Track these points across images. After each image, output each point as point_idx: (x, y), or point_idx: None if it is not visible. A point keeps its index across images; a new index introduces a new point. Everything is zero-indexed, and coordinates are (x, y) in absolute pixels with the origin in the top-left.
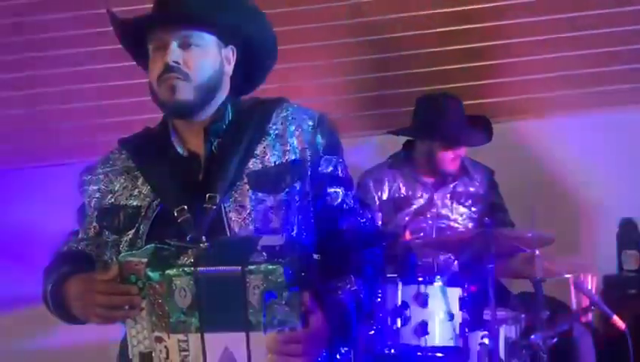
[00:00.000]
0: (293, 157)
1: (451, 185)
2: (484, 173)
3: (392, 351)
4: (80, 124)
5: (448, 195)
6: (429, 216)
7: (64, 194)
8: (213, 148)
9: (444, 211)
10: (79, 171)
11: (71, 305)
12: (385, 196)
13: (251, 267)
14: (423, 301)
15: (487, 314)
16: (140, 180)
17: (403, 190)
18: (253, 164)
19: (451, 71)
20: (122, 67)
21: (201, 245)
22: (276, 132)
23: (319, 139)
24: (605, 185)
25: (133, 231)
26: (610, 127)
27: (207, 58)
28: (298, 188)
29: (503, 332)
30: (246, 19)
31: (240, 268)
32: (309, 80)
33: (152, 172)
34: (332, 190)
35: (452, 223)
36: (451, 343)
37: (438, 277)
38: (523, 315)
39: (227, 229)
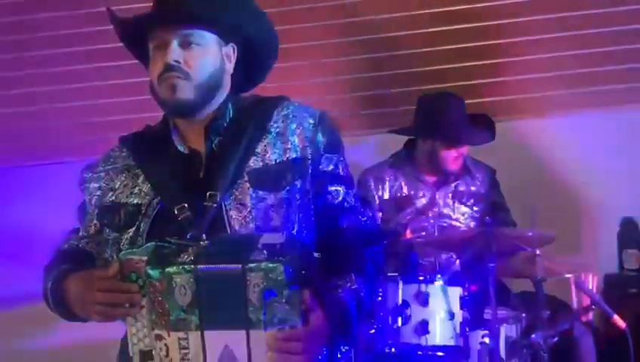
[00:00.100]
0: (294, 156)
1: (453, 185)
2: (485, 172)
3: (393, 349)
4: (80, 122)
5: (450, 194)
6: (430, 215)
7: (64, 192)
8: (213, 146)
9: (445, 210)
10: (79, 169)
11: (71, 302)
12: (386, 195)
13: (251, 265)
14: (423, 300)
15: (487, 314)
16: (141, 178)
17: (405, 189)
18: (254, 162)
19: (451, 70)
20: (123, 65)
21: (202, 243)
22: (277, 130)
23: (320, 137)
24: (606, 185)
25: (133, 229)
26: (611, 127)
27: (207, 57)
28: (299, 186)
29: (503, 331)
30: (247, 16)
31: (240, 266)
32: (307, 79)
33: (153, 170)
34: (333, 188)
35: (454, 222)
36: (452, 342)
37: (439, 276)
38: (524, 314)
39: (228, 227)
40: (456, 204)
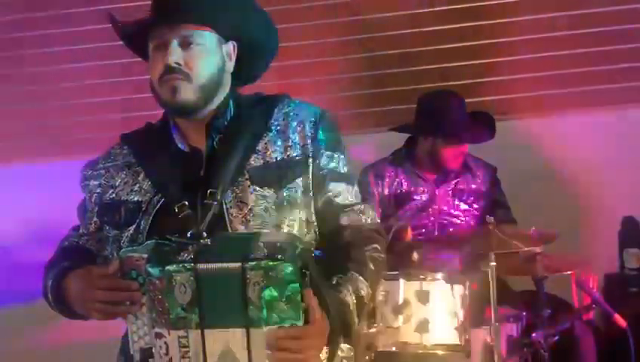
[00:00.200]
0: (294, 153)
1: (453, 182)
2: (486, 169)
3: (394, 348)
4: (81, 120)
5: (450, 192)
6: (430, 212)
7: (65, 190)
8: (214, 144)
9: (445, 208)
10: (80, 167)
11: (71, 300)
12: (386, 191)
13: (252, 263)
14: (424, 298)
15: (488, 312)
16: (141, 175)
17: (405, 186)
18: (255, 160)
19: (451, 68)
20: (124, 64)
21: (202, 241)
22: (278, 128)
23: (321, 135)
24: (607, 184)
25: (133, 226)
26: (612, 126)
27: (208, 57)
28: (299, 184)
29: (504, 329)
30: (246, 14)
31: (240, 264)
32: (307, 77)
33: (154, 167)
34: (334, 186)
35: (454, 220)
36: (453, 340)
37: (440, 274)
38: (524, 313)
39: (228, 225)
40: (456, 202)
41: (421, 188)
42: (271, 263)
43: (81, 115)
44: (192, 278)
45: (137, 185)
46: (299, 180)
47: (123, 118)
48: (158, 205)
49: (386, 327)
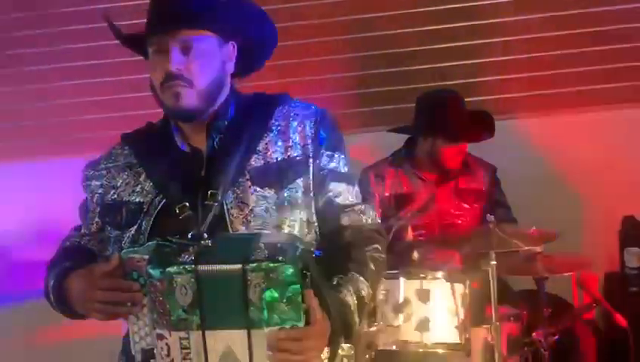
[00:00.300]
0: (295, 153)
1: (453, 182)
2: (486, 169)
3: (394, 347)
4: (82, 119)
5: (450, 192)
6: (431, 212)
7: (67, 189)
8: (215, 144)
9: (446, 208)
10: (80, 166)
11: (73, 300)
12: (386, 192)
13: (252, 265)
14: (425, 297)
15: (489, 311)
16: (143, 176)
17: (405, 187)
18: (256, 160)
19: (450, 68)
20: (124, 63)
21: (203, 242)
22: (278, 128)
23: (321, 134)
24: (607, 183)
25: (135, 227)
26: (612, 125)
27: (209, 61)
28: (300, 184)
29: (504, 328)
30: (246, 15)
31: (241, 265)
32: (305, 76)
33: (154, 168)
34: (334, 186)
35: (454, 220)
36: (453, 339)
37: (441, 273)
38: (525, 312)
39: (229, 226)
40: (456, 202)
41: (422, 189)
42: (272, 265)
43: (82, 114)
44: (192, 280)
45: (139, 185)
46: (299, 180)
47: (123, 116)
48: (160, 206)
49: (387, 326)
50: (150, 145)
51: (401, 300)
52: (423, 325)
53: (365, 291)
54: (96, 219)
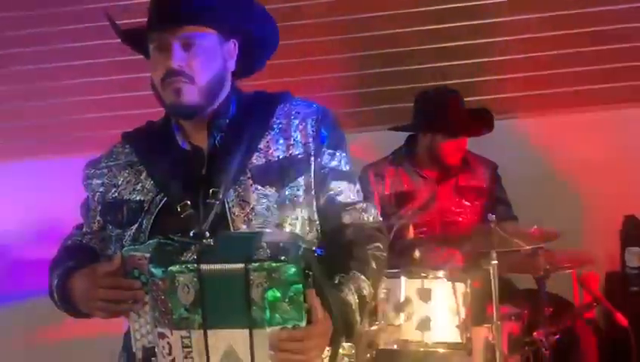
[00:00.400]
0: (296, 152)
1: (454, 179)
2: (486, 166)
3: (395, 346)
4: (82, 118)
5: (451, 189)
6: (432, 210)
7: (70, 188)
8: (216, 142)
9: (447, 205)
10: (80, 165)
11: (76, 300)
12: (386, 191)
13: (254, 264)
14: (426, 296)
15: (490, 310)
16: (144, 174)
17: (406, 185)
18: (257, 159)
19: (450, 67)
20: (123, 62)
21: (205, 241)
22: (280, 126)
23: (323, 133)
24: (609, 183)
25: (136, 225)
26: (614, 125)
27: (210, 58)
28: (301, 182)
29: (505, 327)
30: (246, 11)
31: (243, 265)
32: (305, 75)
33: (156, 166)
34: (335, 184)
35: (455, 217)
36: (454, 338)
37: (442, 272)
38: (526, 311)
39: (230, 224)
40: (457, 199)
41: (422, 187)
42: (274, 264)
43: (82, 114)
44: (195, 279)
45: (140, 184)
46: (301, 179)
47: (124, 115)
48: (161, 204)
49: (388, 325)
50: (151, 143)
51: (402, 299)
52: (424, 324)
53: (367, 290)
54: (98, 218)
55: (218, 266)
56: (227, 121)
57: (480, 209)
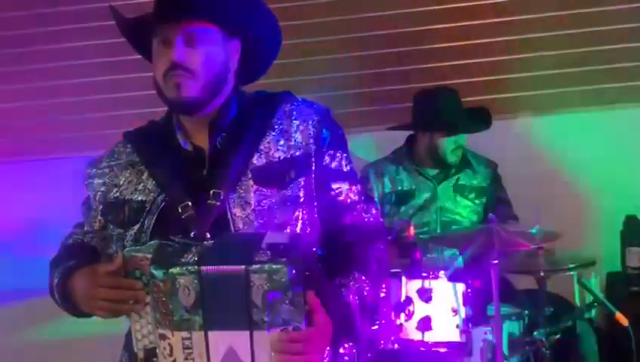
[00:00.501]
0: (297, 153)
1: (454, 178)
2: (487, 166)
3: (396, 345)
4: (85, 117)
5: (451, 188)
6: (432, 210)
7: (70, 187)
8: (218, 143)
9: (447, 204)
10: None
11: (77, 299)
12: (387, 190)
13: (255, 266)
14: (427, 296)
15: (490, 310)
16: (145, 174)
17: (406, 184)
18: (258, 160)
19: (450, 67)
20: (123, 61)
21: (205, 243)
22: (281, 127)
23: (324, 133)
24: (609, 182)
25: (137, 225)
26: (614, 124)
27: (212, 54)
28: (302, 183)
29: (506, 327)
30: (251, 11)
31: (244, 267)
32: (306, 75)
33: (157, 167)
34: (336, 185)
35: (456, 217)
36: (455, 338)
37: (443, 272)
38: (526, 311)
39: (231, 225)
40: (457, 198)
41: (422, 186)
42: (274, 266)
43: (81, 113)
44: (195, 281)
45: (141, 184)
46: (301, 179)
47: (125, 115)
48: (162, 205)
49: (388, 325)
50: (152, 143)
51: (402, 299)
52: (425, 324)
53: (367, 291)
54: (99, 217)
55: (218, 268)
56: (228, 121)
57: (480, 208)
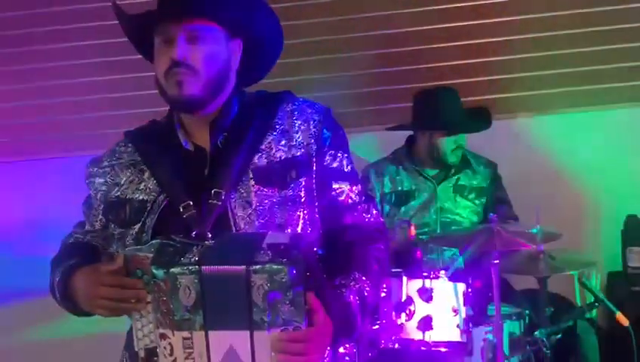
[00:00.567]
0: (298, 153)
1: (454, 178)
2: (487, 166)
3: (396, 345)
4: (86, 117)
5: (451, 189)
6: (432, 210)
7: (70, 186)
8: (219, 143)
9: (447, 205)
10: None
11: (78, 298)
12: (387, 190)
13: (256, 267)
14: (427, 296)
15: (491, 310)
16: (146, 174)
17: (406, 184)
18: (259, 159)
19: (450, 67)
20: (123, 61)
21: (206, 242)
22: (282, 126)
23: (325, 133)
24: (610, 182)
25: (139, 225)
26: (615, 124)
27: (214, 53)
28: (303, 183)
29: (506, 327)
30: (254, 10)
31: (244, 267)
32: (305, 75)
33: (158, 166)
34: (337, 185)
35: (456, 217)
36: (455, 338)
37: (443, 272)
38: (527, 311)
39: (232, 225)
40: (457, 199)
41: (422, 186)
42: (275, 266)
43: (81, 113)
44: (196, 281)
45: (142, 183)
46: (302, 179)
47: (125, 114)
48: (163, 204)
49: (389, 324)
50: (153, 142)
51: (403, 299)
52: (425, 324)
53: (368, 291)
54: (100, 217)
55: (219, 268)
56: (229, 121)
57: (480, 208)
